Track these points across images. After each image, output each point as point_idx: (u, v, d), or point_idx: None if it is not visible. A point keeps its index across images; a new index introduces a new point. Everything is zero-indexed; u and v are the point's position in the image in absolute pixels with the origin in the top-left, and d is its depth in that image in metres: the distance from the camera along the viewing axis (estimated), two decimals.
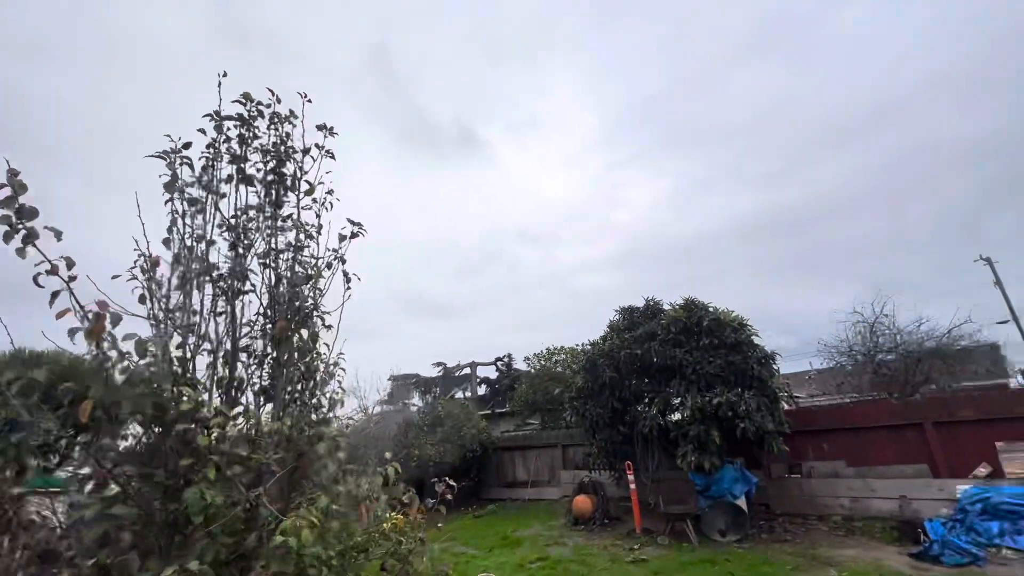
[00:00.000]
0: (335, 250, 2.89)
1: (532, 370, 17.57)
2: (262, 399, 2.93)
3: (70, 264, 1.90)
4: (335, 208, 3.04)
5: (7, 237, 1.81)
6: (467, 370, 25.53)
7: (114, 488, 2.05)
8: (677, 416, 8.69)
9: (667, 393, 8.75)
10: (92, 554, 1.98)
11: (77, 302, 1.97)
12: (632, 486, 8.90)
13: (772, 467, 9.29)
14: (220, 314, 2.82)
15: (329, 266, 2.76)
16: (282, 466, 2.09)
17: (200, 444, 1.88)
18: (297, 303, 2.90)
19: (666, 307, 9.96)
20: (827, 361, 15.74)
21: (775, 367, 8.89)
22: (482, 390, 25.63)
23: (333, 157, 3.04)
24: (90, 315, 1.89)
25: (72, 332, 2.13)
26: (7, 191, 1.81)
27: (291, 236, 2.93)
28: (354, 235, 3.04)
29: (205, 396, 2.35)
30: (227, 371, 2.73)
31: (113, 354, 2.03)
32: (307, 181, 3.03)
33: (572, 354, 15.61)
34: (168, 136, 2.78)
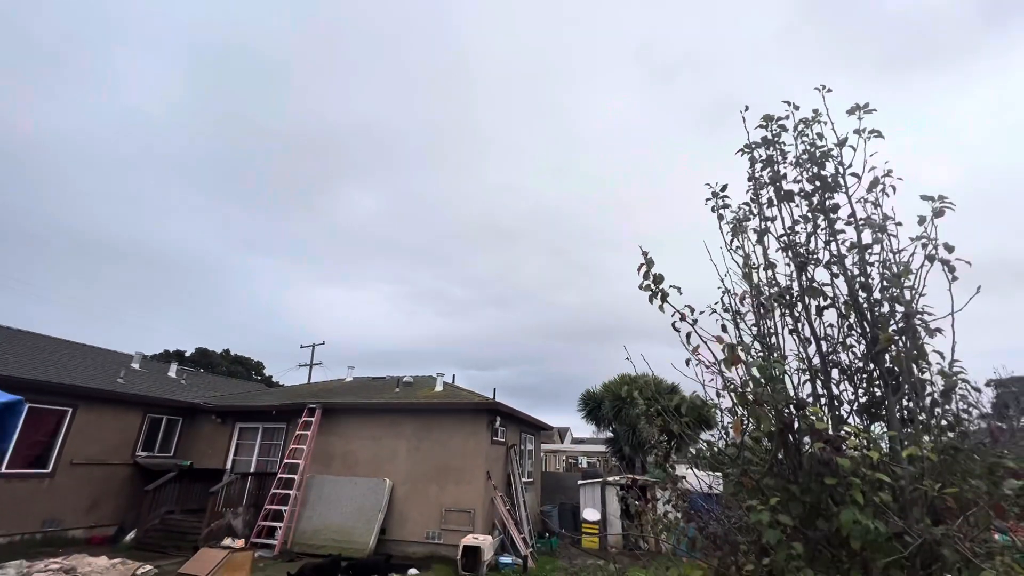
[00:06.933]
0: (920, 237, 2.37)
1: None
2: (866, 417, 2.70)
3: (692, 311, 2.45)
4: (898, 191, 2.55)
5: (651, 299, 2.54)
6: None
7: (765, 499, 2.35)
8: None
9: None
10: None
11: (701, 339, 2.50)
12: None
13: None
14: (792, 331, 2.87)
15: (931, 259, 2.27)
16: (958, 502, 1.76)
17: (843, 466, 1.86)
18: (881, 309, 2.55)
19: None
20: None
21: None
22: None
23: (881, 135, 2.60)
24: (721, 347, 2.31)
25: (688, 361, 2.72)
26: (643, 268, 2.57)
27: (852, 236, 2.66)
28: (937, 213, 2.41)
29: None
30: (823, 389, 2.69)
31: (737, 377, 2.40)
32: (853, 174, 2.71)
33: None
34: (708, 184, 3.21)
